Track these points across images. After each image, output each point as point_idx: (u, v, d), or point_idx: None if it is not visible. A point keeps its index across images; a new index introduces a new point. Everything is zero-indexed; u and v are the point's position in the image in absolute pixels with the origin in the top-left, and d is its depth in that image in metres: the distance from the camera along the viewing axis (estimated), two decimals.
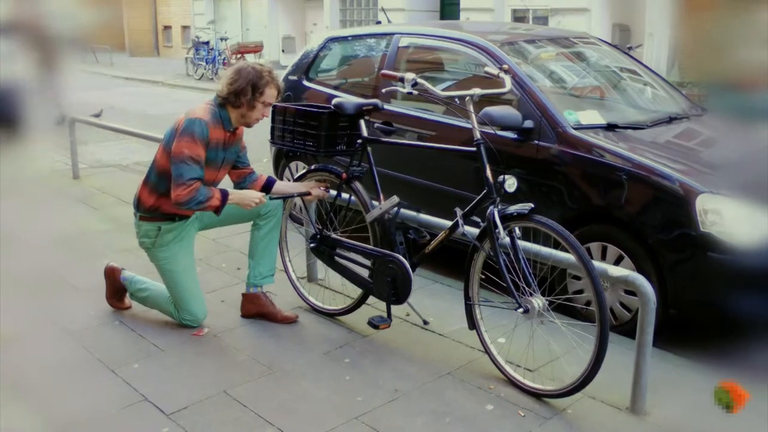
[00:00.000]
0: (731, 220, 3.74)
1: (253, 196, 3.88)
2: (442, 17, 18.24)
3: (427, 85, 3.39)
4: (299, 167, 5.94)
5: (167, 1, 28.66)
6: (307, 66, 6.09)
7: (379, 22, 15.45)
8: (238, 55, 18.58)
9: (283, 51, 22.04)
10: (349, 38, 6.23)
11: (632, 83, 5.39)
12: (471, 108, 3.41)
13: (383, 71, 3.67)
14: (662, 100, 5.17)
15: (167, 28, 28.97)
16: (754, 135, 4.81)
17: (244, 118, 3.82)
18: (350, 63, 6.17)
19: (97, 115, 9.77)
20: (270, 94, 3.79)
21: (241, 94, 3.73)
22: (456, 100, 3.48)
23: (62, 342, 3.90)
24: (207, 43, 19.88)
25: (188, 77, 19.97)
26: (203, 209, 3.77)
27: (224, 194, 3.78)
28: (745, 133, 4.83)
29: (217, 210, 3.79)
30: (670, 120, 4.71)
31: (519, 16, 15.80)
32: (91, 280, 4.51)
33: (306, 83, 6.01)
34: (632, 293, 3.99)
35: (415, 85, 3.34)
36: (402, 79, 3.35)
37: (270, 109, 3.87)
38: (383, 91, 3.63)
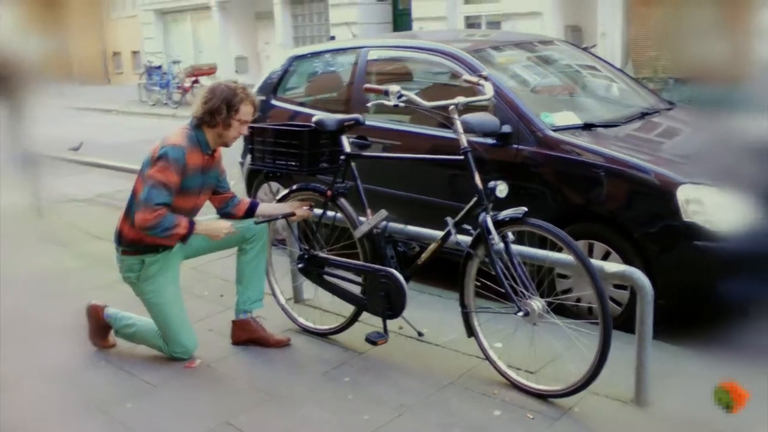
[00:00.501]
0: (713, 208, 3.80)
1: (221, 226, 3.80)
2: (395, 28, 18.31)
3: (413, 96, 3.38)
4: (272, 188, 5.90)
5: (114, 27, 28.25)
6: (275, 85, 6.04)
7: (333, 37, 15.39)
8: (192, 78, 18.39)
9: (236, 71, 21.90)
10: (317, 54, 6.20)
11: (601, 82, 5.45)
12: (456, 116, 3.40)
13: (366, 85, 3.64)
14: (632, 97, 5.24)
15: (116, 54, 28.53)
16: (721, 124, 4.89)
17: (221, 137, 3.76)
18: (319, 79, 6.14)
19: (77, 149, 9.51)
20: (245, 111, 3.73)
21: (216, 113, 3.67)
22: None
23: (48, 386, 3.78)
24: (159, 67, 19.63)
25: (142, 103, 19.68)
26: (168, 237, 3.67)
27: (191, 224, 3.68)
28: (713, 123, 4.91)
29: (183, 239, 3.70)
30: (643, 115, 4.78)
31: (472, 23, 15.92)
32: (68, 320, 4.38)
33: (274, 102, 5.96)
34: (622, 287, 4.03)
35: (400, 97, 3.32)
36: (386, 92, 3.33)
37: (246, 127, 3.82)
38: (368, 105, 3.61)
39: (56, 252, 6.15)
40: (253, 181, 6.07)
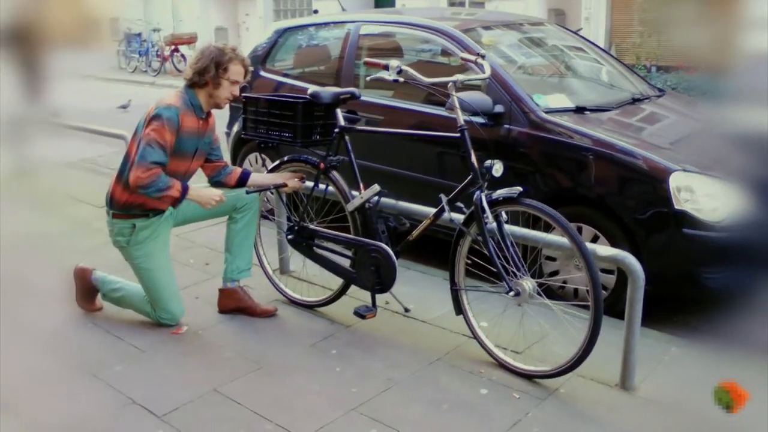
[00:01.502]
0: (703, 197, 3.85)
1: (213, 194, 3.80)
2: (377, 5, 18.19)
3: (413, 71, 3.37)
4: (258, 158, 5.87)
5: None
6: (263, 57, 5.99)
7: (316, 11, 15.22)
8: (172, 47, 18.15)
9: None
10: (307, 27, 6.16)
11: (591, 65, 5.47)
12: (454, 93, 3.41)
13: (366, 59, 3.63)
14: (623, 82, 5.27)
15: None
16: (712, 113, 4.94)
17: (213, 98, 3.76)
18: (308, 52, 6.10)
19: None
20: (235, 71, 3.74)
21: (205, 72, 3.69)
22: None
23: (36, 349, 3.75)
24: (139, 35, 19.40)
25: (121, 70, 19.44)
26: (161, 197, 3.67)
27: (184, 187, 3.69)
28: (703, 111, 4.96)
29: (175, 203, 3.70)
30: (634, 101, 4.81)
31: (454, 2, 15.88)
32: (55, 284, 4.34)
33: (263, 73, 5.91)
34: (609, 271, 4.07)
35: (400, 72, 3.32)
36: (386, 67, 3.32)
37: (237, 87, 3.80)
38: (367, 79, 3.60)
39: (41, 215, 6.08)
40: (239, 151, 6.03)
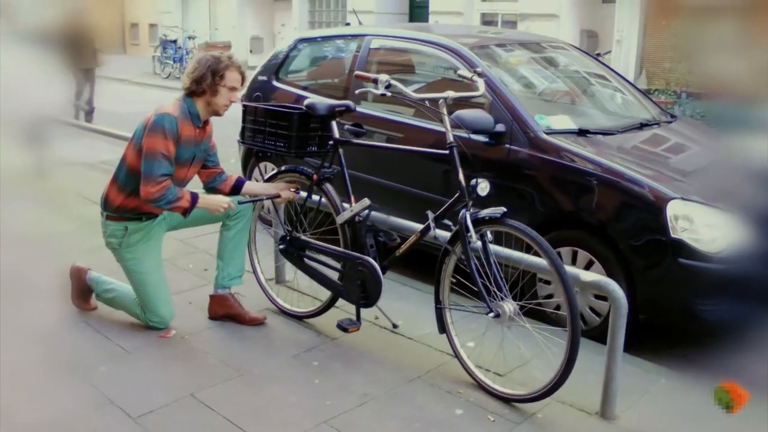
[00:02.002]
0: (702, 227, 3.78)
1: (221, 201, 3.84)
2: (411, 20, 18.25)
3: (401, 86, 3.37)
4: (268, 168, 5.91)
5: None
6: (277, 66, 6.03)
7: (348, 24, 15.39)
8: None
9: (251, 51, 21.87)
10: (320, 39, 6.20)
11: (603, 89, 5.43)
12: (444, 111, 3.39)
13: (356, 72, 3.64)
14: (633, 107, 5.21)
15: (134, 25, 28.59)
16: (724, 143, 4.85)
17: (211, 105, 3.78)
18: (320, 64, 6.14)
19: None
20: (232, 78, 3.76)
21: (202, 80, 3.71)
22: (428, 102, 3.47)
23: (26, 345, 3.81)
24: (175, 41, 19.67)
25: (155, 76, 19.73)
26: (172, 209, 3.72)
27: (194, 197, 3.73)
28: (718, 140, 4.89)
29: (185, 212, 3.74)
30: (641, 126, 4.75)
31: (488, 20, 15.87)
32: (55, 282, 4.41)
33: (275, 83, 5.95)
34: (603, 298, 4.01)
35: (388, 86, 3.32)
36: (375, 81, 3.32)
37: (236, 93, 3.83)
38: (356, 92, 3.61)
39: (52, 214, 6.18)
40: (248, 161, 6.08)
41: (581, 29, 14.25)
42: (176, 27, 22.58)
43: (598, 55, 9.99)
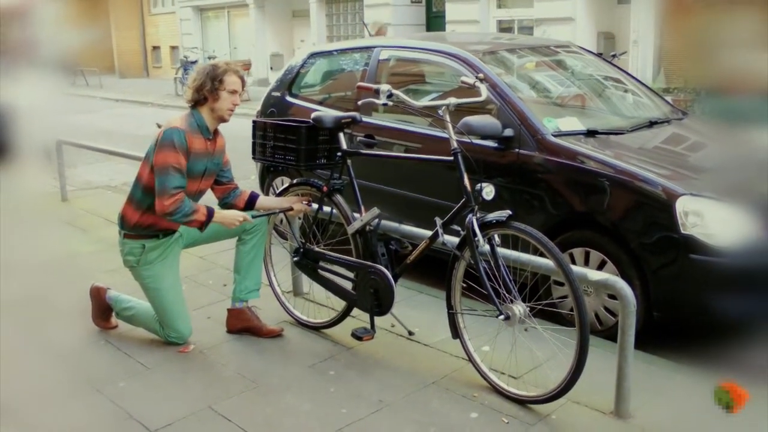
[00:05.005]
0: (712, 222, 3.77)
1: (237, 215, 3.90)
2: (429, 30, 18.33)
3: (402, 95, 3.42)
4: (285, 182, 5.97)
5: (155, 22, 28.79)
6: (290, 82, 6.12)
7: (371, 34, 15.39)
8: None
9: (271, 68, 22.10)
10: (331, 53, 6.27)
11: (613, 90, 5.43)
12: (447, 117, 3.43)
13: (358, 83, 3.70)
14: (642, 106, 5.21)
15: (156, 48, 29.06)
16: (739, 138, 4.83)
17: (215, 111, 3.84)
18: (333, 77, 6.20)
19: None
20: (231, 81, 3.82)
21: (202, 87, 3.79)
22: (438, 111, 3.50)
23: (49, 364, 3.87)
24: (195, 62, 19.90)
25: (177, 97, 19.96)
26: (188, 223, 3.78)
27: (209, 211, 3.80)
28: (731, 136, 4.86)
29: (202, 227, 3.81)
30: (651, 125, 4.74)
31: (504, 27, 15.90)
32: (78, 302, 4.49)
33: (289, 99, 6.03)
34: (616, 297, 4.00)
35: (390, 96, 3.37)
36: (377, 91, 3.37)
37: (238, 96, 3.89)
38: (359, 103, 3.66)
39: (75, 236, 6.30)
40: (266, 177, 6.16)
41: (598, 31, 14.24)
42: (196, 48, 22.88)
43: (613, 56, 9.98)
